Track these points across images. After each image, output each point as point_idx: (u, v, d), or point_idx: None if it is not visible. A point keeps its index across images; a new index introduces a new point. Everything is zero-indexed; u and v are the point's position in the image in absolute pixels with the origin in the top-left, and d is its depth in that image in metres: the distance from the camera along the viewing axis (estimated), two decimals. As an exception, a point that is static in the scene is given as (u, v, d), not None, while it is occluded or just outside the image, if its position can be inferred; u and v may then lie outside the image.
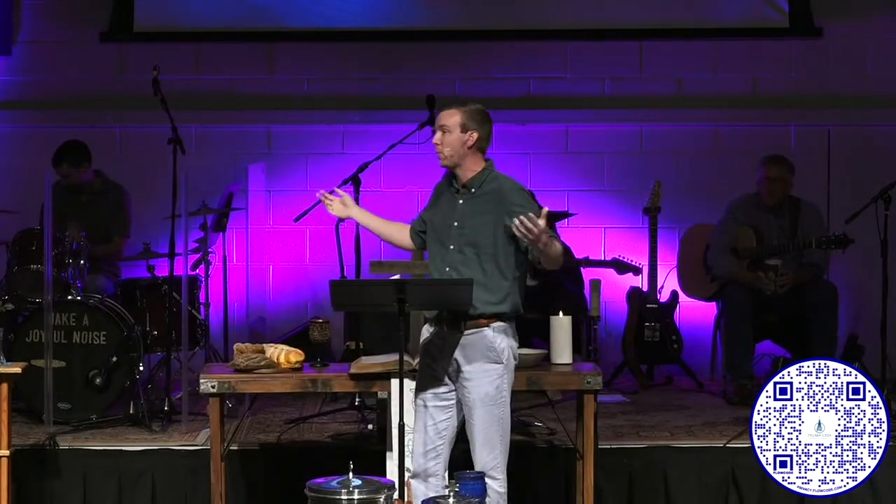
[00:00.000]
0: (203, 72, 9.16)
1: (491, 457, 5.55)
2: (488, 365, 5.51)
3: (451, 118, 5.55)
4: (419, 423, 5.60)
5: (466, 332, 5.49)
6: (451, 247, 5.55)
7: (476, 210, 5.53)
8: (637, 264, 8.58)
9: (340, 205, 5.84)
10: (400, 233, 5.85)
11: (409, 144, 7.93)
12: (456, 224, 5.55)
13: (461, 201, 5.57)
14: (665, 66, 9.23)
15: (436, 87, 8.34)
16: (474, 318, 5.48)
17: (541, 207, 5.35)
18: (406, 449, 5.61)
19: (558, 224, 8.40)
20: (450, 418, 5.60)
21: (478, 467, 5.53)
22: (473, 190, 5.56)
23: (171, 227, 7.48)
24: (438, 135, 5.57)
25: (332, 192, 5.86)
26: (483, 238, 5.49)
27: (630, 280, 8.72)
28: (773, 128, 9.18)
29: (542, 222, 5.26)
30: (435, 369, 5.57)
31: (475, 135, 5.54)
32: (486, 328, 5.50)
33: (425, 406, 5.59)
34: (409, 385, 5.86)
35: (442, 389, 5.58)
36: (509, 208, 5.45)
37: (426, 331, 5.63)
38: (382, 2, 9.18)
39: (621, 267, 8.56)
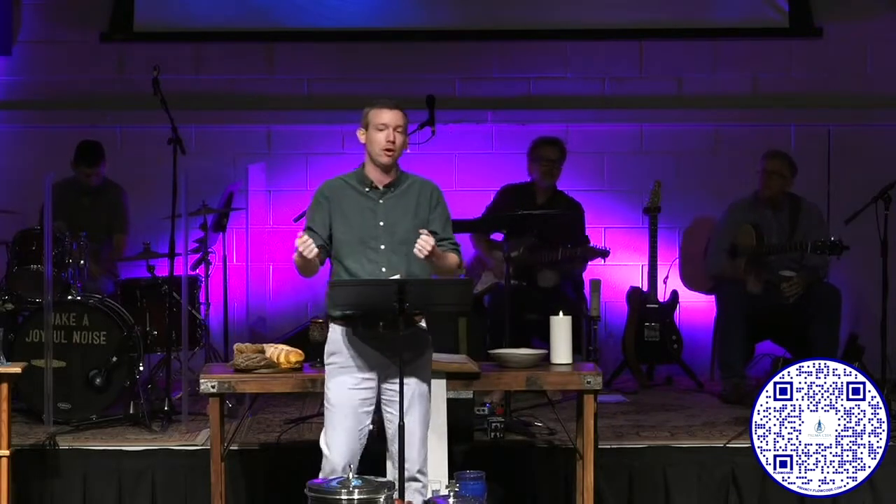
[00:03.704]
0: (203, 72, 9.16)
1: (423, 454, 5.55)
2: (423, 360, 5.56)
3: (404, 119, 5.62)
4: (348, 427, 5.56)
5: (406, 330, 5.52)
6: (382, 247, 5.57)
7: (402, 209, 5.60)
8: (605, 248, 8.41)
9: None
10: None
11: (408, 144, 7.91)
12: (382, 224, 5.58)
13: (381, 201, 5.60)
14: (665, 66, 9.23)
15: (436, 87, 8.34)
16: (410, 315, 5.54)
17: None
18: (406, 449, 5.60)
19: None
20: (370, 420, 5.63)
21: (411, 466, 5.51)
22: (395, 190, 5.61)
23: (171, 227, 7.48)
24: (398, 136, 5.58)
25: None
26: (416, 236, 5.51)
27: (624, 277, 8.70)
28: (773, 128, 9.18)
29: (432, 240, 5.43)
30: (364, 370, 5.56)
31: (407, 137, 5.67)
32: (419, 324, 5.58)
33: (353, 413, 5.57)
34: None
35: (369, 395, 5.58)
36: (434, 209, 5.62)
37: (340, 332, 5.58)
38: (382, 2, 9.18)
39: (592, 254, 8.40)
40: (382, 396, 5.61)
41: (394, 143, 5.57)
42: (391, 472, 5.56)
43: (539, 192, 8.40)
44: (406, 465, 5.46)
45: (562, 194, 8.47)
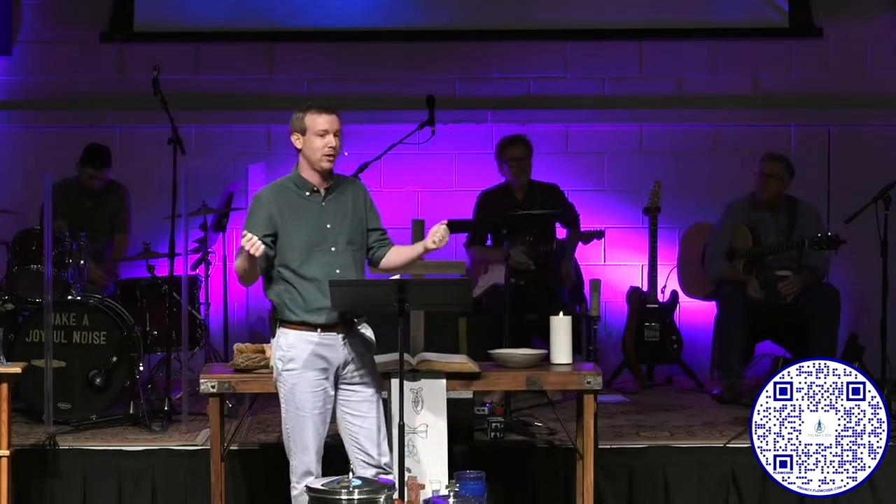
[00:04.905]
0: (203, 72, 9.16)
1: (386, 449, 5.60)
2: (369, 361, 5.62)
3: (340, 122, 5.62)
4: (317, 427, 5.56)
5: (352, 332, 5.57)
6: (333, 249, 5.56)
7: (342, 210, 5.60)
8: (597, 229, 8.43)
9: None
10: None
11: (408, 144, 7.92)
12: (330, 226, 5.57)
13: (324, 204, 5.60)
14: (665, 66, 9.23)
15: (436, 87, 8.34)
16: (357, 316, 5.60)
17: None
18: (406, 450, 5.60)
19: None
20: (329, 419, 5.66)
21: (377, 463, 5.57)
22: (333, 192, 5.62)
23: (171, 227, 7.48)
24: (337, 141, 5.59)
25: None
26: (357, 236, 5.59)
27: (624, 277, 8.70)
28: (773, 128, 9.19)
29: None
30: (328, 372, 5.55)
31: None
32: (364, 324, 5.63)
33: (321, 413, 5.56)
34: (409, 385, 5.86)
35: (332, 393, 5.59)
36: (370, 207, 5.66)
37: (295, 336, 5.55)
38: (382, 2, 9.18)
39: (586, 238, 8.41)
40: (340, 398, 5.62)
41: (334, 148, 5.57)
42: (360, 472, 5.56)
43: (516, 189, 8.37)
44: (376, 458, 5.56)
45: (538, 184, 8.42)
